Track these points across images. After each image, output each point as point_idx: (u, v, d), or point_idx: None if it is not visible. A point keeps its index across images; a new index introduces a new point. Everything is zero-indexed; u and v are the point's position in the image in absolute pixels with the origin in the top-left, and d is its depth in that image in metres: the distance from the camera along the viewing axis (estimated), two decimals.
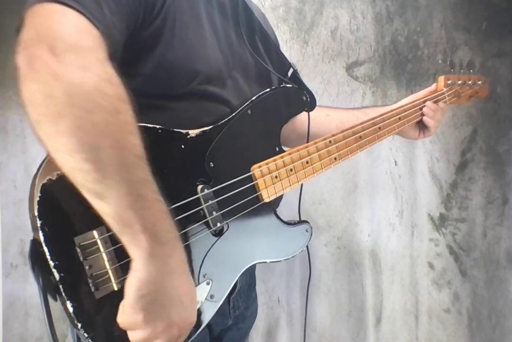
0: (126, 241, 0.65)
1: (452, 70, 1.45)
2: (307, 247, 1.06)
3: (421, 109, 1.32)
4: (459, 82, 1.45)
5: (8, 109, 1.65)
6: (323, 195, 2.19)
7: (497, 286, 2.30)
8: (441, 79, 1.42)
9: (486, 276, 2.30)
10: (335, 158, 1.09)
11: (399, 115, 1.25)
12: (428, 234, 2.32)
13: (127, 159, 0.63)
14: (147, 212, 0.64)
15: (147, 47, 0.83)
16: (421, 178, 2.31)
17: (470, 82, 1.48)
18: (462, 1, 2.27)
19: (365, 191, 2.25)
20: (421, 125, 1.35)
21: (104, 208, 0.63)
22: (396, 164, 2.28)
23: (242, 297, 1.10)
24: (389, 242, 2.30)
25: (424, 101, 1.33)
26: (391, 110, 1.24)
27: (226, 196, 0.88)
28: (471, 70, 1.50)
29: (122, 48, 0.78)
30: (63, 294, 0.68)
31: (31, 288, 1.68)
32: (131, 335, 0.68)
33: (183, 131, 0.85)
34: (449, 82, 1.41)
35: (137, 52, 0.83)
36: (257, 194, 0.95)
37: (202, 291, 0.85)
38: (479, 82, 1.50)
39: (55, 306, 0.72)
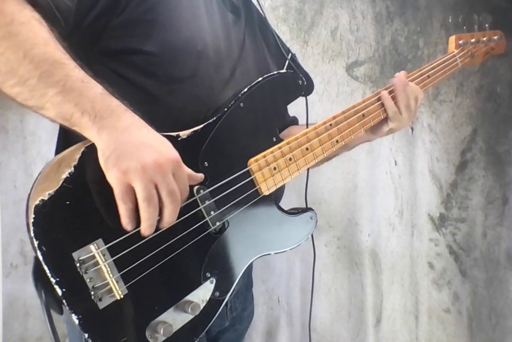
0: (78, 129, 0.72)
1: (464, 27, 1.30)
2: (312, 234, 1.04)
3: (428, 77, 1.19)
4: (472, 40, 1.31)
5: (8, 109, 1.64)
6: (323, 195, 2.18)
7: (497, 286, 2.29)
8: (452, 40, 1.29)
9: (486, 276, 2.30)
10: (337, 141, 1.04)
11: None
12: (428, 234, 2.32)
13: (41, 68, 0.69)
14: (80, 99, 0.70)
15: (145, 21, 0.86)
16: (421, 178, 2.30)
17: (484, 39, 1.33)
18: (462, 1, 2.27)
19: (365, 190, 2.25)
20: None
21: (49, 114, 0.72)
22: (396, 164, 2.28)
23: (240, 299, 1.10)
24: (389, 242, 2.30)
25: (432, 69, 1.20)
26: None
27: (223, 194, 0.87)
28: (486, 25, 1.34)
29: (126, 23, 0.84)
30: (68, 308, 0.69)
31: (31, 288, 1.67)
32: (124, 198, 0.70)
33: (174, 134, 0.83)
34: (460, 42, 1.29)
35: (138, 26, 0.86)
36: (256, 188, 0.92)
37: (206, 290, 0.84)
38: (495, 37, 1.36)
39: None
